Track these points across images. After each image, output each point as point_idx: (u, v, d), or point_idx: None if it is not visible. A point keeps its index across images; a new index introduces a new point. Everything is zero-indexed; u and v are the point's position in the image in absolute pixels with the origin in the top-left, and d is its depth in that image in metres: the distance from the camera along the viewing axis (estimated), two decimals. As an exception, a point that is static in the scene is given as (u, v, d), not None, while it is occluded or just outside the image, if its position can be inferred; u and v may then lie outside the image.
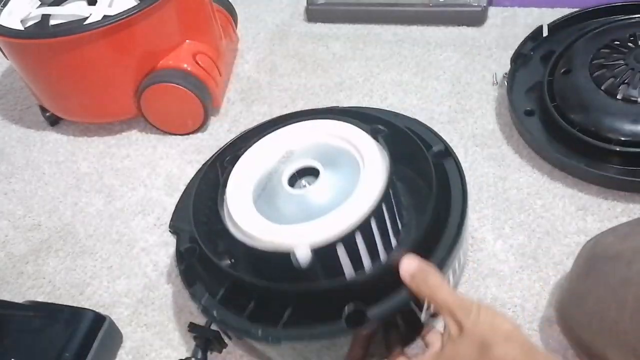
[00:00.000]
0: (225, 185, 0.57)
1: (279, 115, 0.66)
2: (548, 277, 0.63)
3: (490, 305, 0.44)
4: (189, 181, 0.65)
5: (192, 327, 0.55)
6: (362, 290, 0.48)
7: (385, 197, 0.51)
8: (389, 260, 0.49)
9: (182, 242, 0.57)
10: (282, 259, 0.48)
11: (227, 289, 0.52)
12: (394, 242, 0.54)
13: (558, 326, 0.56)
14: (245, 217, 0.52)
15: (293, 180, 0.56)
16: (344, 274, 0.51)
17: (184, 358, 0.55)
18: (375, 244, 0.52)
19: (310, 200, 0.53)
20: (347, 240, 0.49)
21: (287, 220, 0.51)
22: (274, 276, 0.53)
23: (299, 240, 0.48)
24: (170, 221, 0.60)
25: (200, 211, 0.58)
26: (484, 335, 0.41)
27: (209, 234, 0.57)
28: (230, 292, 0.52)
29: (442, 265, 0.49)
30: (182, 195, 0.63)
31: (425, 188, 0.57)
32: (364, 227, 0.49)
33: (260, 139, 0.60)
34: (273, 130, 0.61)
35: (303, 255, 0.48)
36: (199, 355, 0.54)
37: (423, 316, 0.50)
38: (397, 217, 0.55)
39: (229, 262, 0.55)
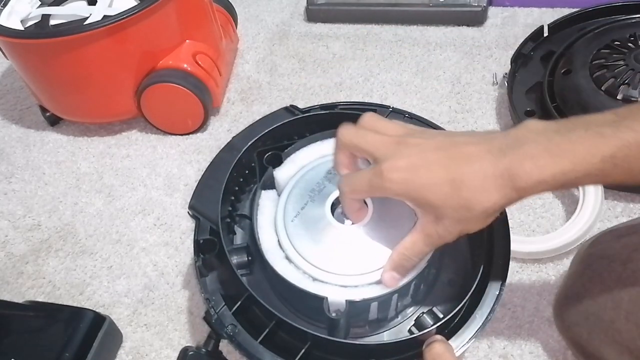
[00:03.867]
0: (263, 188, 0.53)
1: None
2: (548, 277, 0.63)
3: None
4: (215, 156, 0.59)
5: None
6: (385, 350, 0.47)
7: (431, 261, 0.48)
8: (419, 335, 0.46)
9: (201, 230, 0.54)
10: (311, 299, 0.46)
11: (245, 301, 0.49)
12: (420, 291, 0.53)
13: (555, 325, 0.56)
14: (282, 242, 0.49)
15: (337, 203, 0.51)
16: (367, 319, 0.50)
17: (186, 346, 0.54)
18: (407, 296, 0.51)
19: (353, 239, 0.49)
20: (384, 299, 0.47)
21: (323, 251, 0.48)
22: (292, 302, 0.52)
23: (337, 290, 0.46)
24: (191, 200, 0.56)
25: (226, 200, 0.54)
26: None
27: (230, 224, 0.55)
28: (247, 303, 0.49)
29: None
30: (205, 173, 0.58)
31: (463, 237, 0.55)
32: (403, 289, 0.47)
33: (309, 143, 0.55)
34: (325, 136, 0.56)
35: (337, 305, 0.46)
36: (210, 346, 0.52)
37: None
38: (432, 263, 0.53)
39: (246, 259, 0.53)
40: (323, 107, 0.62)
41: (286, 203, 0.51)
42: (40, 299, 0.68)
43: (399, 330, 0.52)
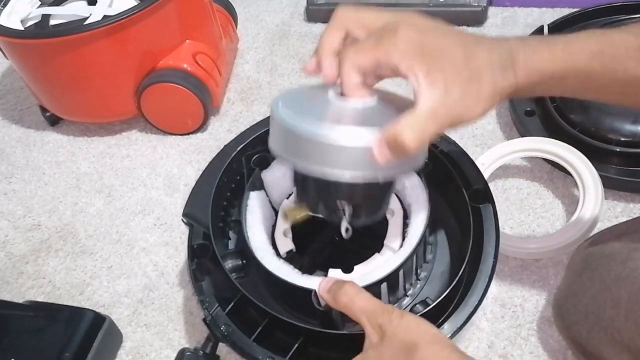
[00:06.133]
0: (252, 189, 0.54)
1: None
2: (548, 277, 0.63)
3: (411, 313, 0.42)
4: (207, 164, 0.60)
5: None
6: None
7: (416, 249, 0.49)
8: None
9: (195, 235, 0.55)
10: (301, 293, 0.47)
11: (238, 301, 0.50)
12: (415, 283, 0.54)
13: (555, 324, 0.56)
14: (268, 243, 0.50)
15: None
16: None
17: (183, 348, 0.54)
18: (398, 287, 0.51)
19: (349, 113, 0.43)
20: (373, 288, 0.47)
21: (315, 115, 0.41)
22: (286, 300, 0.53)
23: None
24: (185, 208, 0.57)
25: (218, 205, 0.56)
26: (409, 336, 0.39)
27: (224, 229, 0.55)
28: (240, 304, 0.50)
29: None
30: (198, 181, 0.59)
31: (456, 229, 0.56)
32: (391, 277, 0.48)
33: None
34: None
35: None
36: (208, 349, 0.53)
37: None
38: (423, 255, 0.54)
39: (241, 262, 0.54)
40: None
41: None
42: (40, 299, 0.68)
43: None
